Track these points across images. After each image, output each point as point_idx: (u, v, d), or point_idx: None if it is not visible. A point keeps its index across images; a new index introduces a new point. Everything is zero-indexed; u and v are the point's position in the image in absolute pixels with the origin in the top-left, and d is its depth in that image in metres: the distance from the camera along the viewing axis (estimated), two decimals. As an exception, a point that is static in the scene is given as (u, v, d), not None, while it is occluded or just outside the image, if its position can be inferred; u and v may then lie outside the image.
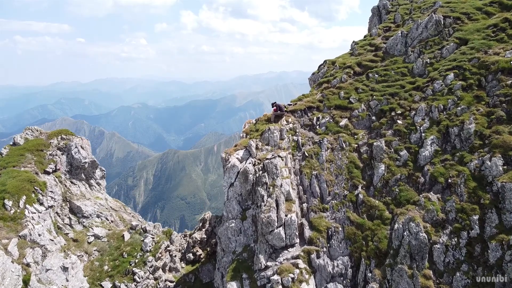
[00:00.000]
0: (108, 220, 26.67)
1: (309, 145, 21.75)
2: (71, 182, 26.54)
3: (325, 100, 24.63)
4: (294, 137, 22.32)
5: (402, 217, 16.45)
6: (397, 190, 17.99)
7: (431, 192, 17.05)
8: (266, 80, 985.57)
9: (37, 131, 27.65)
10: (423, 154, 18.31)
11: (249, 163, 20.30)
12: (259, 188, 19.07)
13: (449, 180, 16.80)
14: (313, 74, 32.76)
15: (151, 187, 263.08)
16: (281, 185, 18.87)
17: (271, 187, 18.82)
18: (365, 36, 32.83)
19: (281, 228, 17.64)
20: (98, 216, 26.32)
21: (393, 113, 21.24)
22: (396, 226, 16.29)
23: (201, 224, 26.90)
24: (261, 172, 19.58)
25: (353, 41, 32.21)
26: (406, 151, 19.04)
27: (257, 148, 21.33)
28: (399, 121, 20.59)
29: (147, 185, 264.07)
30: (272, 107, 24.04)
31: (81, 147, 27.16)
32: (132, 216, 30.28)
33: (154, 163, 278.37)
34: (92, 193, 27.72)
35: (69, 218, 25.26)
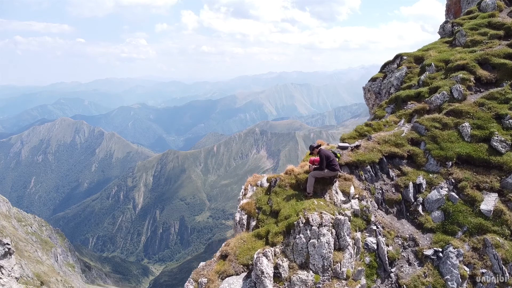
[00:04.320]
0: None
1: (409, 264, 9.37)
2: None
3: (426, 140, 11.90)
4: (370, 239, 9.51)
5: None
6: None
7: None
8: (266, 81, 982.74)
9: None
10: None
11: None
12: None
13: None
14: (372, 80, 19.56)
15: (151, 187, 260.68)
16: None
17: None
18: (469, 12, 19.53)
19: None
20: None
21: None
22: None
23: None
24: None
25: (447, 21, 19.54)
26: None
27: (277, 276, 8.09)
28: None
29: (146, 186, 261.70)
30: (310, 152, 10.82)
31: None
32: None
33: (153, 163, 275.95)
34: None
35: None
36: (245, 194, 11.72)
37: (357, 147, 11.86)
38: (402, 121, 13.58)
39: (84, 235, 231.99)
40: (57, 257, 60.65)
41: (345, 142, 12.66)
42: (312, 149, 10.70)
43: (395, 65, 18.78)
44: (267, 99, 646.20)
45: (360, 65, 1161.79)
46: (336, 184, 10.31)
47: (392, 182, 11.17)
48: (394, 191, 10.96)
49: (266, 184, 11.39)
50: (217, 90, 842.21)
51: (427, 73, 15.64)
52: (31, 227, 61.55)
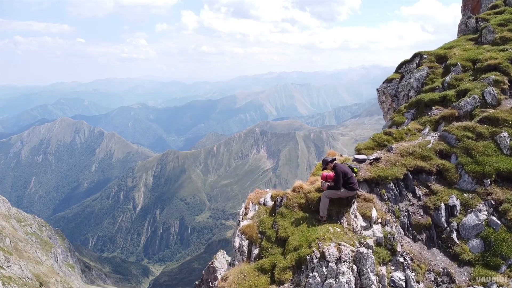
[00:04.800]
0: None
1: None
2: None
3: (458, 152, 10.31)
4: (397, 275, 7.97)
5: None
6: None
7: None
8: (266, 81, 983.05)
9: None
10: None
11: None
12: None
13: None
14: (388, 82, 17.99)
15: (151, 187, 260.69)
16: None
17: None
18: (494, 6, 18.48)
19: None
20: None
21: None
22: None
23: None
24: None
25: (471, 16, 17.99)
26: None
27: None
28: None
29: (146, 186, 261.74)
30: (323, 167, 9.27)
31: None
32: None
33: (153, 163, 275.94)
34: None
35: None
36: (245, 214, 10.11)
37: (377, 160, 10.11)
38: (427, 129, 11.75)
39: (84, 235, 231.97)
40: (56, 257, 60.56)
41: (362, 154, 10.77)
42: (326, 163, 9.05)
43: (414, 65, 16.91)
44: (267, 99, 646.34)
45: (360, 65, 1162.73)
46: (355, 205, 8.79)
47: (419, 202, 9.50)
48: (422, 213, 9.29)
49: (270, 203, 10.03)
50: (217, 90, 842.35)
51: (453, 73, 13.85)
52: (31, 227, 61.47)
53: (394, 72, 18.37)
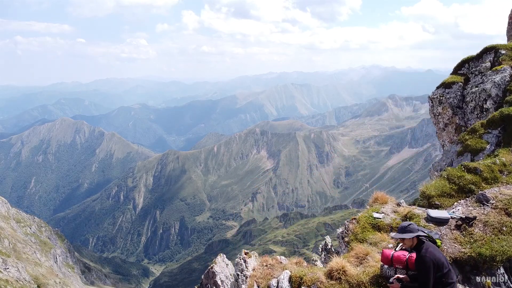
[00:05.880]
0: None
1: None
2: None
3: None
4: None
5: None
6: None
7: None
8: (266, 81, 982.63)
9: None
10: None
11: None
12: None
13: None
14: (446, 87, 13.01)
15: (151, 188, 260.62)
16: None
17: None
18: None
19: None
20: None
21: None
22: None
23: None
24: None
25: None
26: None
27: None
28: None
29: (146, 186, 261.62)
30: (400, 242, 5.05)
31: None
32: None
33: (154, 164, 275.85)
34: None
35: None
36: None
37: (469, 221, 5.84)
38: None
39: (84, 236, 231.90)
40: (56, 258, 60.27)
41: (437, 206, 6.52)
42: (403, 235, 4.84)
43: (487, 64, 12.03)
44: (268, 99, 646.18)
45: (361, 65, 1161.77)
46: None
47: None
48: None
49: None
50: (218, 90, 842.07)
51: None
52: (30, 228, 61.21)
53: (451, 74, 13.60)
